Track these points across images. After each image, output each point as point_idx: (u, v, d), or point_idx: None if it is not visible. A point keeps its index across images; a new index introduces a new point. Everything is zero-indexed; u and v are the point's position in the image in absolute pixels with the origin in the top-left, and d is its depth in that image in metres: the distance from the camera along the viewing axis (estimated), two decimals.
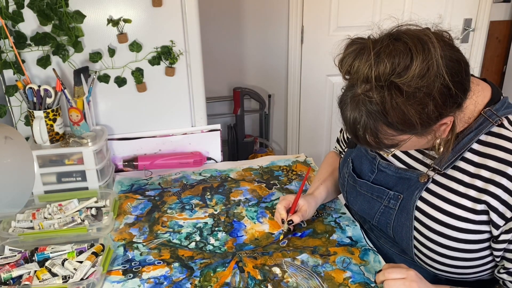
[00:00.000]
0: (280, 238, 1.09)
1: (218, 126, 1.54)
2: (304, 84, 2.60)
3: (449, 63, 0.74)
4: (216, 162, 1.55)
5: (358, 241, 1.08)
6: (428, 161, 0.91)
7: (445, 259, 0.89)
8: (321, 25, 2.48)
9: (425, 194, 0.90)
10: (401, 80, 0.71)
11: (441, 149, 0.85)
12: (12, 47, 1.25)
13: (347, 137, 1.19)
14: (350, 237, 1.10)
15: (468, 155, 0.86)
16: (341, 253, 1.04)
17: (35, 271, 0.97)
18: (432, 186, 0.90)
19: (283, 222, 1.10)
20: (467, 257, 0.87)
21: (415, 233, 0.91)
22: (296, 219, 1.09)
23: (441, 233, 0.87)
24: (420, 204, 0.91)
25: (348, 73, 0.78)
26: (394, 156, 0.98)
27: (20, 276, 0.96)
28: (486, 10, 2.59)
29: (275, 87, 2.60)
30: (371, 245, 1.06)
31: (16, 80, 1.28)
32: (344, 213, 1.19)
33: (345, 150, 1.16)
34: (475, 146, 0.85)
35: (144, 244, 1.09)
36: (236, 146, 2.50)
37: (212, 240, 1.10)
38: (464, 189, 0.85)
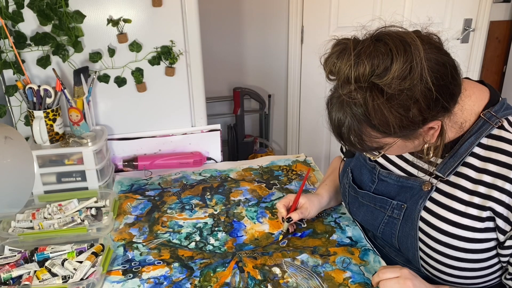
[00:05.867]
0: (280, 238, 1.10)
1: (218, 126, 1.54)
2: (304, 84, 2.59)
3: (434, 66, 0.72)
4: (216, 162, 1.55)
5: (358, 241, 1.08)
6: (431, 168, 0.88)
7: (453, 270, 0.86)
8: (321, 25, 2.48)
9: (429, 204, 0.88)
10: (381, 81, 0.70)
11: (431, 154, 0.83)
12: (12, 47, 1.25)
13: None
14: (350, 237, 1.10)
15: (470, 159, 0.84)
16: (341, 253, 1.04)
17: (35, 271, 0.97)
18: (435, 195, 0.87)
19: (283, 220, 1.10)
20: (476, 267, 0.85)
21: (421, 244, 0.89)
22: (295, 216, 1.08)
23: (448, 244, 0.85)
24: (424, 214, 0.88)
25: (331, 73, 0.77)
26: (394, 164, 0.96)
27: (20, 276, 0.96)
28: (486, 10, 2.58)
29: (275, 87, 2.60)
30: (371, 245, 1.06)
31: (16, 80, 1.28)
32: (344, 213, 1.19)
33: (344, 159, 1.14)
34: (477, 150, 0.83)
35: (144, 244, 1.09)
36: (236, 146, 2.50)
37: (212, 240, 1.10)
38: (469, 197, 0.83)
